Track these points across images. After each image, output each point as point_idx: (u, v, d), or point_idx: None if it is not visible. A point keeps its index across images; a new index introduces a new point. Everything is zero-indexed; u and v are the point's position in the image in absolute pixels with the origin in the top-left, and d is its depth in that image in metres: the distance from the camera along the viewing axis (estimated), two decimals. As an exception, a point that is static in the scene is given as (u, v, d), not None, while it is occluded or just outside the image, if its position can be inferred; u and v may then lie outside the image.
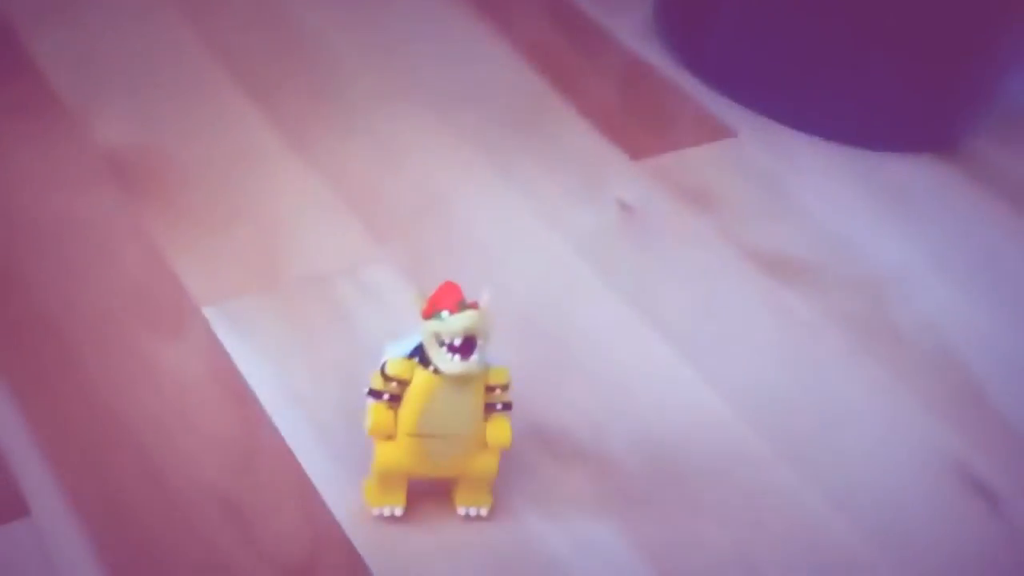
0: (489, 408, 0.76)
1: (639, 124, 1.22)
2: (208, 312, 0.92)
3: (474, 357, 0.72)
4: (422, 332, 0.73)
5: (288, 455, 0.82)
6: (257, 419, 0.85)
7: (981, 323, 1.07)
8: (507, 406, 0.77)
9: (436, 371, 0.73)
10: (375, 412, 0.75)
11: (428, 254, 1.02)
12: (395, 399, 0.75)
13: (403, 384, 0.74)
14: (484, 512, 0.80)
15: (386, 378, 0.74)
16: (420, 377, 0.73)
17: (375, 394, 0.75)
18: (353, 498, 0.80)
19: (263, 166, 1.07)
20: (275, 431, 0.84)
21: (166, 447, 0.82)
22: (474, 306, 0.72)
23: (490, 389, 0.76)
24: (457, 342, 0.71)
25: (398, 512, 0.79)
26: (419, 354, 0.74)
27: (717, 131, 1.23)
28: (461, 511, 0.80)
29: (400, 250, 1.01)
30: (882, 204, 1.19)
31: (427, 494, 0.81)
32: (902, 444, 0.93)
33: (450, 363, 0.72)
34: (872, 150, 1.26)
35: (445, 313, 0.71)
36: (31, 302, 0.90)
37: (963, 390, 0.99)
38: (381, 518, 0.79)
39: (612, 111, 1.23)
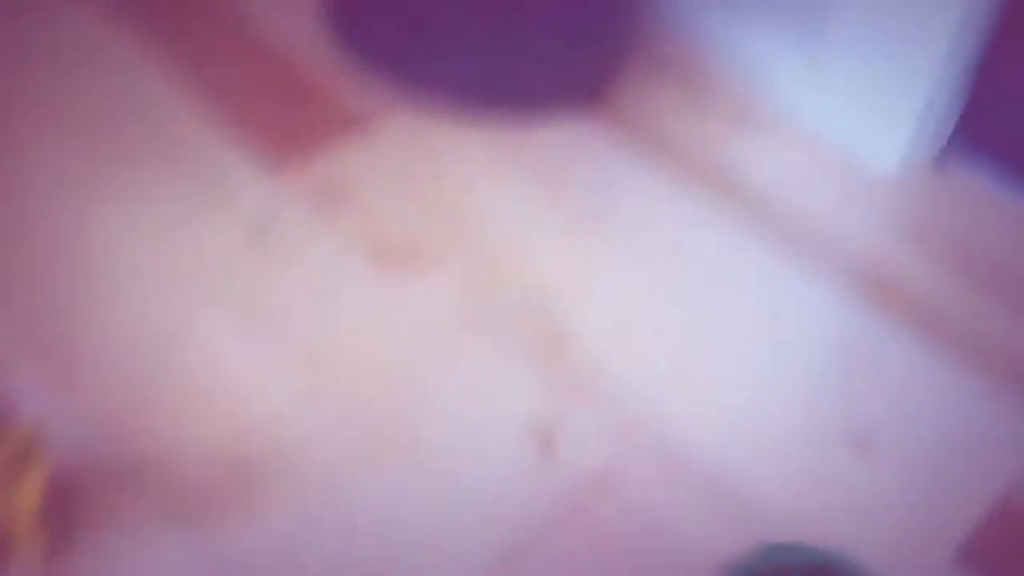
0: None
1: (283, 134, 1.30)
2: None
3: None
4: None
5: None
6: None
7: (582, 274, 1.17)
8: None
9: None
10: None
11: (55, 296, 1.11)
12: None
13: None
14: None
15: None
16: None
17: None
18: None
19: None
20: None
21: None
22: None
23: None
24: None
25: None
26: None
27: (359, 128, 1.31)
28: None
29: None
30: (516, 174, 1.27)
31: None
32: (488, 394, 1.09)
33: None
34: (515, 127, 1.33)
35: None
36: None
37: (549, 336, 1.13)
38: None
39: (262, 124, 1.30)
